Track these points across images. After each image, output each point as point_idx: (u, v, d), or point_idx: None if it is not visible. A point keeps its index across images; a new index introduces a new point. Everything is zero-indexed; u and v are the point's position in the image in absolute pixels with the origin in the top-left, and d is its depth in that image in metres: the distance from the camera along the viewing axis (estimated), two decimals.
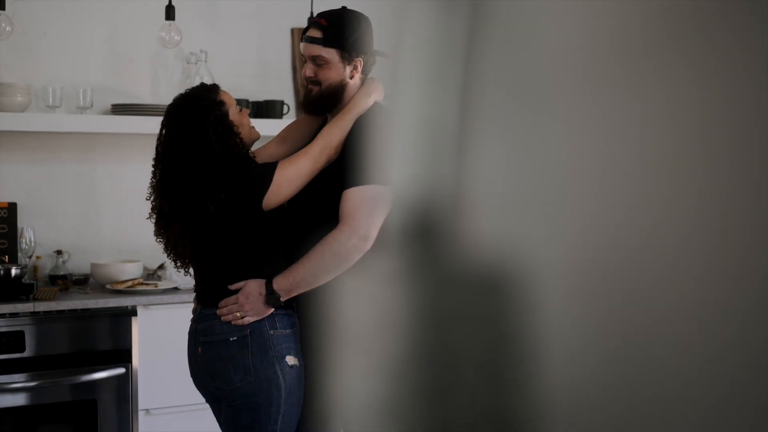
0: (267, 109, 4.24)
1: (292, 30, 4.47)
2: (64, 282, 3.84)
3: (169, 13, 3.99)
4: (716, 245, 0.43)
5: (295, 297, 2.59)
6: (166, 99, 3.20)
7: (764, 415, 0.41)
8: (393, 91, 0.61)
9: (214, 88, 2.60)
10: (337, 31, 2.61)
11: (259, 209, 2.50)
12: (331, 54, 2.62)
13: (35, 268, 3.92)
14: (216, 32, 4.31)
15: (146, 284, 3.82)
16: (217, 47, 4.26)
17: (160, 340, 3.59)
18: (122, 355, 3.55)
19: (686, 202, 0.44)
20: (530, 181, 0.52)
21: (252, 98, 4.24)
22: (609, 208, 0.48)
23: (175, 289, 3.79)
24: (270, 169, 2.52)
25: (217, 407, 2.66)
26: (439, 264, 0.54)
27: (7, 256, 3.79)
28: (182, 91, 2.65)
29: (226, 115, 2.55)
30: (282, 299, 2.52)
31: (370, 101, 2.60)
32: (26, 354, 3.42)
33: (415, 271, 0.55)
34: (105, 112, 4.07)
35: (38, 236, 3.92)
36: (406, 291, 0.54)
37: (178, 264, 2.64)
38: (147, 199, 2.61)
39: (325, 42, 2.61)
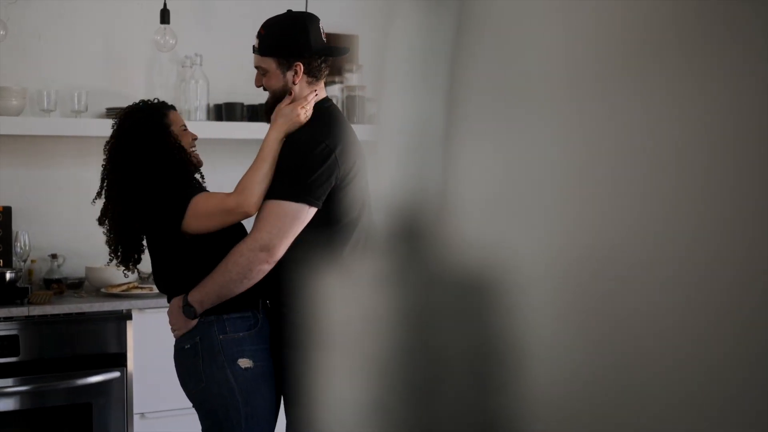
0: (262, 112, 4.24)
1: None
2: (58, 286, 3.83)
3: (164, 16, 3.98)
4: (697, 246, 0.43)
5: (274, 298, 2.61)
6: None
7: (749, 415, 0.41)
8: (380, 93, 0.61)
9: (164, 104, 2.66)
10: (270, 38, 2.55)
11: (178, 234, 2.52)
12: (268, 63, 2.57)
13: (30, 272, 3.91)
14: (211, 35, 4.31)
15: (141, 288, 3.81)
16: (213, 50, 4.25)
17: (155, 343, 3.57)
18: (117, 359, 3.54)
19: (668, 204, 0.44)
20: (516, 184, 0.52)
21: (247, 102, 4.23)
22: (593, 210, 0.48)
23: None
24: (185, 200, 2.50)
25: None
26: (424, 266, 0.54)
27: (1, 260, 3.78)
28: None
29: (167, 126, 2.60)
30: (198, 311, 2.52)
31: (281, 135, 2.51)
32: (21, 358, 3.41)
33: (401, 273, 0.55)
34: (100, 116, 4.07)
35: (33, 240, 3.92)
36: (392, 292, 0.54)
37: (124, 262, 2.68)
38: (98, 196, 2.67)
39: (261, 51, 2.57)
